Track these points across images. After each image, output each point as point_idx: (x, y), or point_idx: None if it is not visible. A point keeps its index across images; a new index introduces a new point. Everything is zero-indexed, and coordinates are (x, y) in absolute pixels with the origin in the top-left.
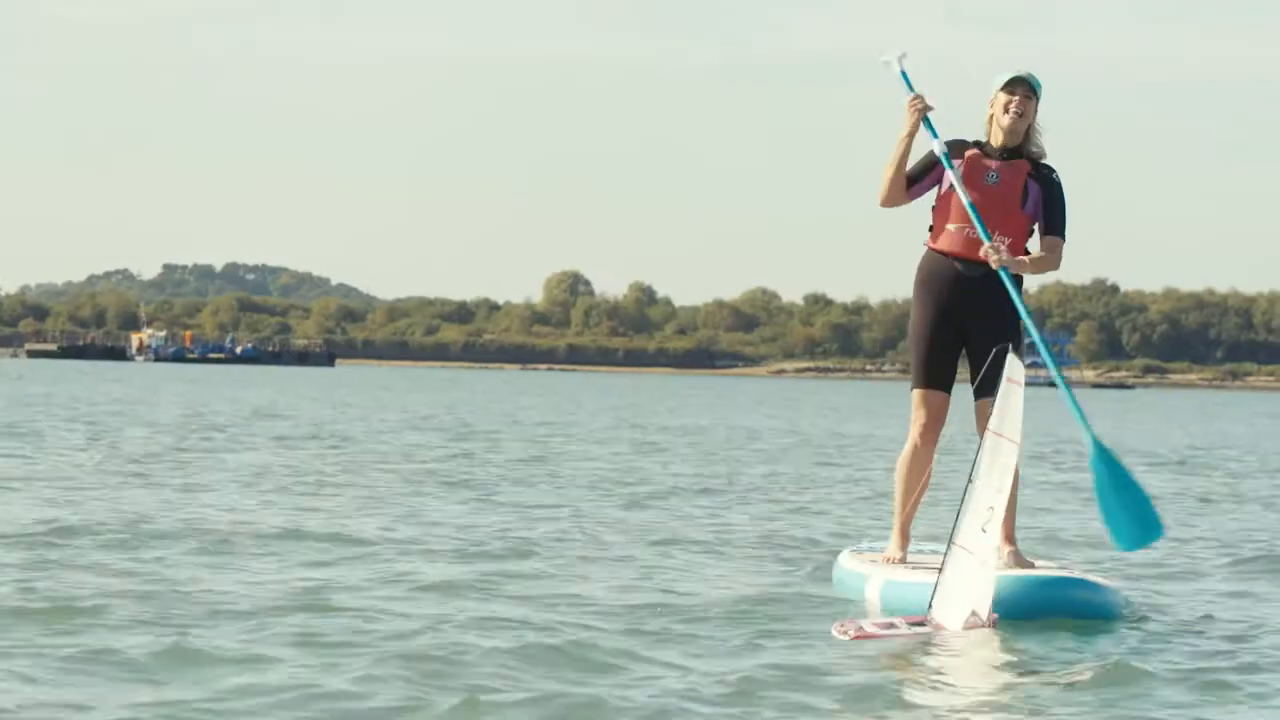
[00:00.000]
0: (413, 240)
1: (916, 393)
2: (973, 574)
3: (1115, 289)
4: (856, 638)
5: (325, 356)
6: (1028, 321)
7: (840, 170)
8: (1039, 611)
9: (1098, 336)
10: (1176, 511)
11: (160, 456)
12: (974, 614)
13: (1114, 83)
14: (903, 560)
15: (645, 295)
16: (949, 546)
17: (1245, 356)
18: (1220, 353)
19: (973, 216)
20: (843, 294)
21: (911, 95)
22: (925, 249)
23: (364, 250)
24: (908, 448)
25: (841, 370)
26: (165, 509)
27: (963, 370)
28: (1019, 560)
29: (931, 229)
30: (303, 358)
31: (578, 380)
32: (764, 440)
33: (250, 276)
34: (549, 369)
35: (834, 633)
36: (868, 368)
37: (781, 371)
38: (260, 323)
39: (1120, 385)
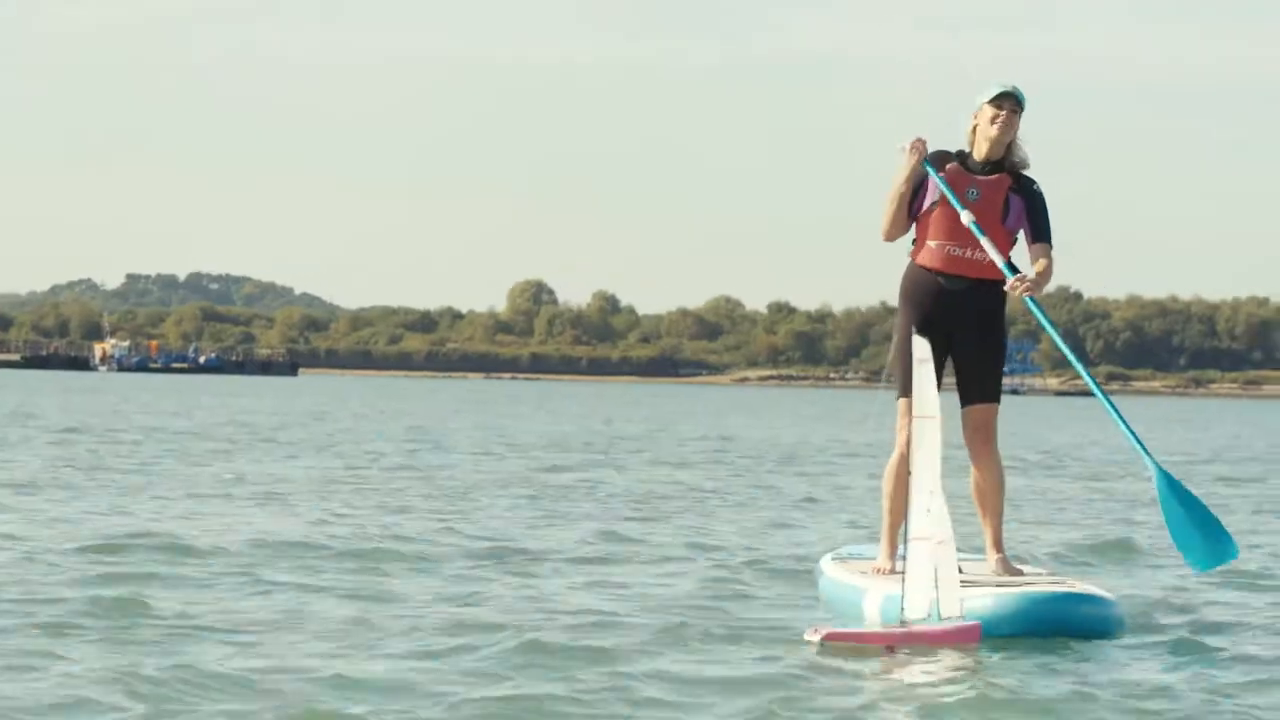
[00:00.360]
0: (376, 249)
1: (902, 402)
2: (934, 558)
3: (1079, 296)
4: (828, 639)
5: (288, 366)
6: (1059, 342)
7: (803, 178)
8: (1042, 629)
9: (1057, 345)
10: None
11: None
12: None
13: (1072, 87)
14: (893, 570)
15: (609, 304)
16: (905, 544)
17: (1209, 363)
18: (1184, 360)
19: (983, 242)
20: (806, 302)
21: (914, 139)
22: (909, 261)
23: (328, 260)
24: (894, 457)
25: (805, 378)
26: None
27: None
28: (1007, 568)
29: (915, 243)
30: (266, 367)
31: (546, 388)
32: (736, 447)
33: (214, 286)
34: (512, 378)
35: (806, 637)
36: (831, 376)
37: (745, 380)
38: (224, 332)
39: (1084, 393)
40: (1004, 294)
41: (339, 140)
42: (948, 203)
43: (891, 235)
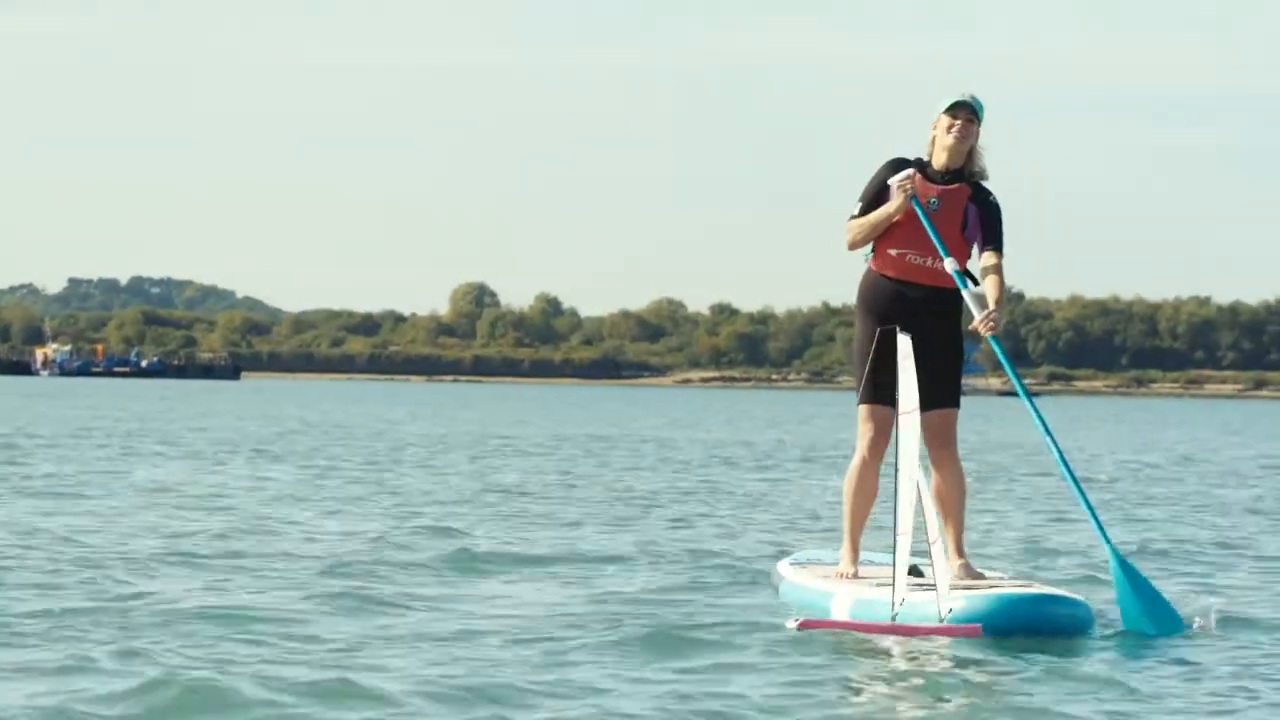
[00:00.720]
0: (318, 253)
1: (863, 408)
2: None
3: (1020, 296)
4: (802, 627)
5: (230, 369)
6: (1016, 382)
7: (745, 180)
8: (1013, 630)
9: (1003, 344)
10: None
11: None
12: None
13: (1015, 87)
14: (855, 575)
15: (551, 306)
16: (894, 538)
17: (1150, 363)
18: (1125, 359)
19: (934, 240)
20: (748, 303)
21: (903, 176)
22: (866, 269)
23: (270, 263)
24: (855, 462)
25: (747, 380)
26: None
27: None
28: (969, 573)
29: (874, 251)
30: (208, 371)
31: (490, 391)
32: (679, 450)
33: (155, 290)
34: (455, 380)
35: (787, 625)
36: (773, 377)
37: (687, 381)
38: (166, 336)
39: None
40: (962, 300)
41: (280, 144)
42: (907, 211)
43: (857, 248)
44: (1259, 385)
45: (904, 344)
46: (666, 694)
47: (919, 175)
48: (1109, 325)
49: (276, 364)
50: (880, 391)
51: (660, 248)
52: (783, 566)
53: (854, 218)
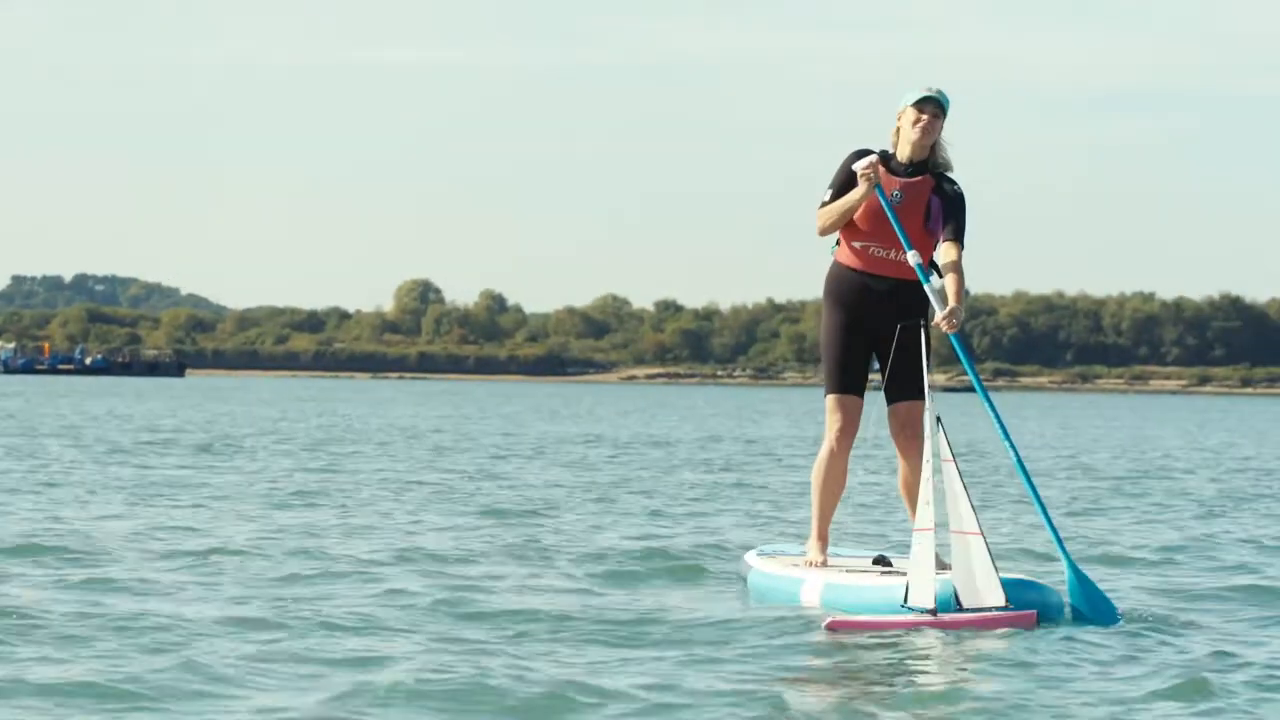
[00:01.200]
0: (263, 250)
1: (831, 398)
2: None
3: (965, 293)
4: (832, 627)
5: (175, 366)
6: (979, 386)
7: (689, 177)
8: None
9: (948, 340)
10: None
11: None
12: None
13: (957, 84)
14: (824, 564)
15: (496, 303)
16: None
17: (1095, 359)
18: (1070, 355)
19: (899, 234)
20: (693, 300)
21: (865, 162)
22: (832, 261)
23: (214, 260)
24: (823, 452)
25: (692, 376)
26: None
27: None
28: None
29: (838, 243)
30: (153, 368)
31: (440, 388)
32: (623, 448)
33: (100, 288)
34: (400, 377)
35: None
36: (719, 373)
37: (632, 377)
38: (110, 333)
39: (971, 389)
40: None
41: (223, 141)
42: (871, 203)
43: (827, 234)
44: (1203, 381)
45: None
46: (647, 686)
47: (882, 167)
48: (1053, 321)
49: (221, 361)
50: (847, 382)
51: (605, 244)
52: (751, 557)
53: (824, 204)
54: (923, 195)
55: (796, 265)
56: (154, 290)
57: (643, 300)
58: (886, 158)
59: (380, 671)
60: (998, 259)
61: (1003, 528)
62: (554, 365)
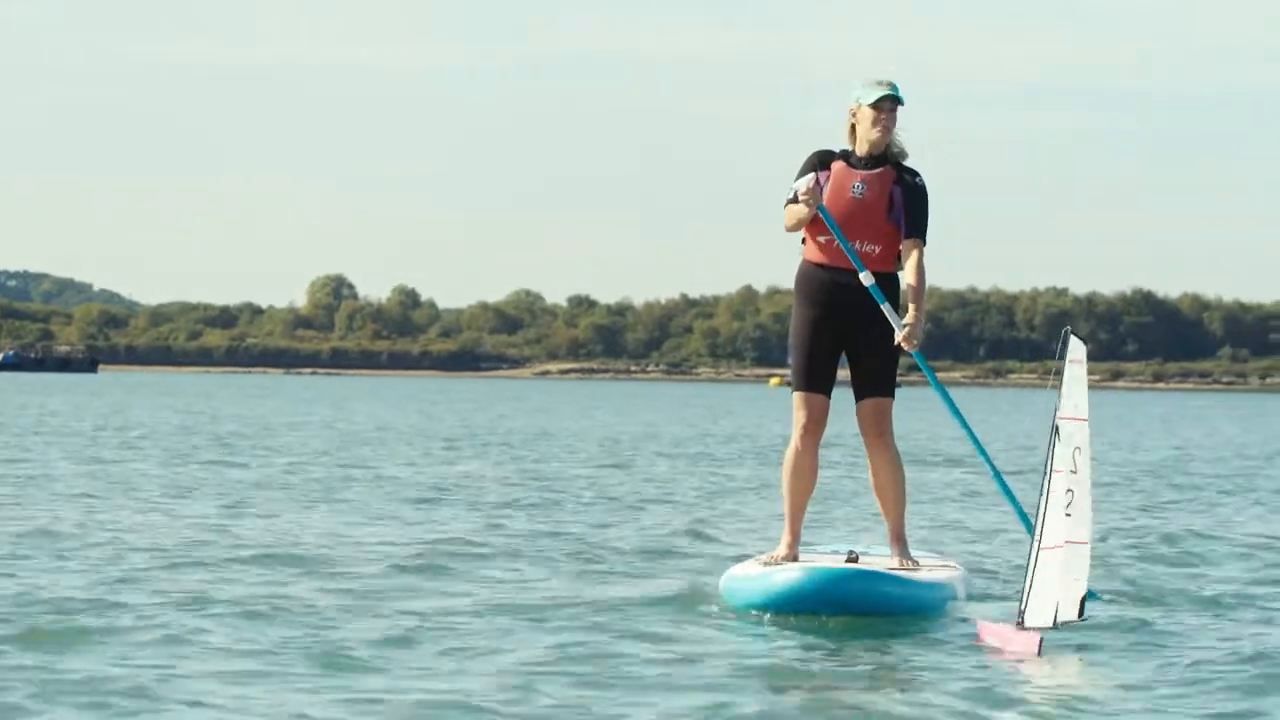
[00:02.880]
0: (174, 245)
1: (796, 395)
2: (1068, 564)
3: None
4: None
5: (88, 362)
6: (949, 403)
7: (602, 173)
8: (831, 607)
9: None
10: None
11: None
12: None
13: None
14: (792, 559)
15: (409, 298)
16: (1035, 551)
17: (1008, 354)
18: (983, 350)
19: (849, 255)
20: (606, 295)
21: (804, 187)
22: (801, 259)
23: (126, 256)
24: (790, 449)
25: (606, 371)
26: None
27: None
28: (904, 561)
29: (804, 240)
30: (65, 364)
31: (351, 384)
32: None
33: (11, 283)
34: (313, 373)
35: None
36: (632, 369)
37: (546, 373)
38: (22, 329)
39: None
40: (895, 286)
41: (134, 135)
42: (834, 198)
43: (793, 233)
44: (1116, 376)
45: (1077, 349)
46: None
47: (843, 163)
48: (967, 316)
49: (134, 357)
50: (812, 379)
51: (518, 240)
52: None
53: (788, 202)
54: (885, 187)
55: (710, 261)
56: (66, 286)
57: (556, 296)
58: (846, 154)
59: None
60: None
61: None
62: (467, 361)
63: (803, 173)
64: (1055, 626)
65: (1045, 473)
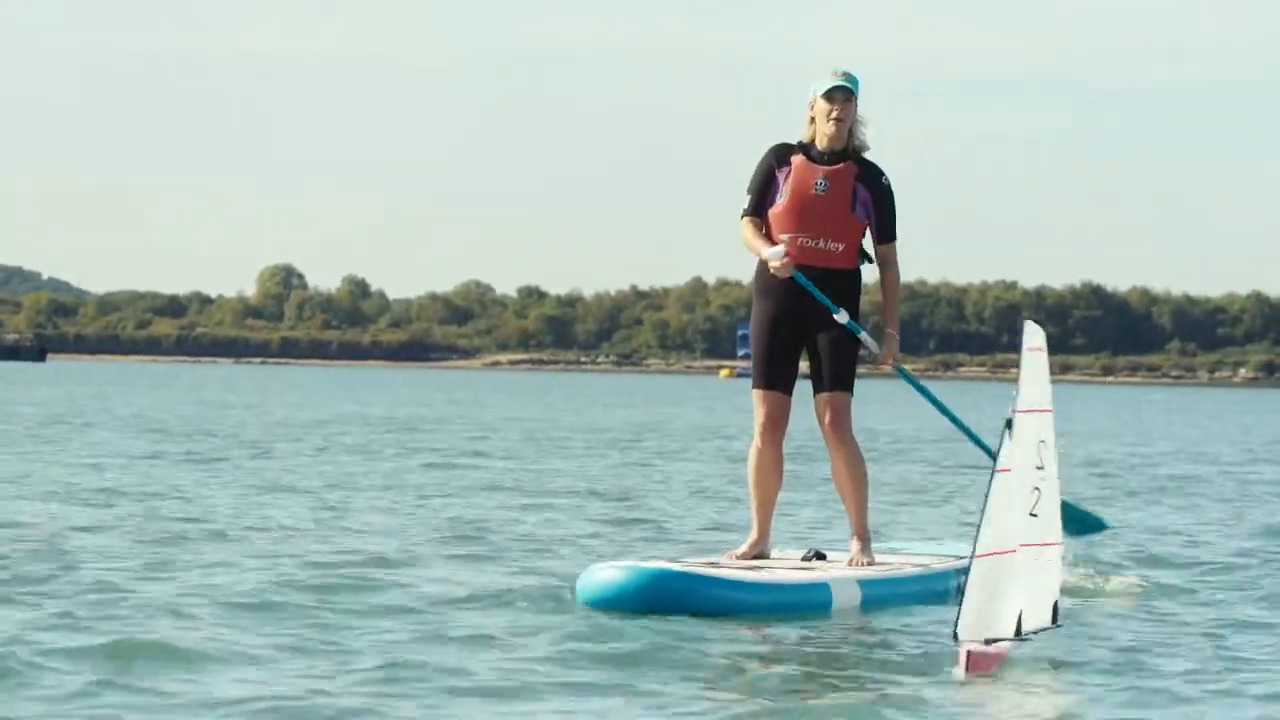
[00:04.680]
0: (124, 234)
1: (755, 392)
2: (1036, 569)
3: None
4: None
5: (36, 351)
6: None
7: (554, 163)
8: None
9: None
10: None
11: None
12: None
13: (820, 72)
14: (758, 555)
15: (358, 288)
16: (973, 558)
17: (957, 347)
18: (933, 343)
19: (818, 298)
20: (556, 286)
21: (775, 262)
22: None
23: (75, 245)
24: (752, 447)
25: (556, 362)
26: None
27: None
28: (860, 557)
29: (766, 237)
30: (13, 353)
31: (300, 374)
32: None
33: None
34: (262, 363)
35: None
36: (582, 360)
37: (496, 363)
38: None
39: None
40: (857, 282)
41: (83, 125)
42: (795, 195)
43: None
44: (1065, 369)
45: (1035, 335)
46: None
47: (803, 157)
48: (916, 309)
49: (83, 346)
50: (773, 377)
51: (468, 230)
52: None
53: (745, 213)
54: (846, 183)
55: (660, 252)
56: (14, 274)
57: (506, 286)
58: (805, 148)
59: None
60: None
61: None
62: (417, 351)
63: (761, 171)
64: (1023, 637)
65: (991, 471)
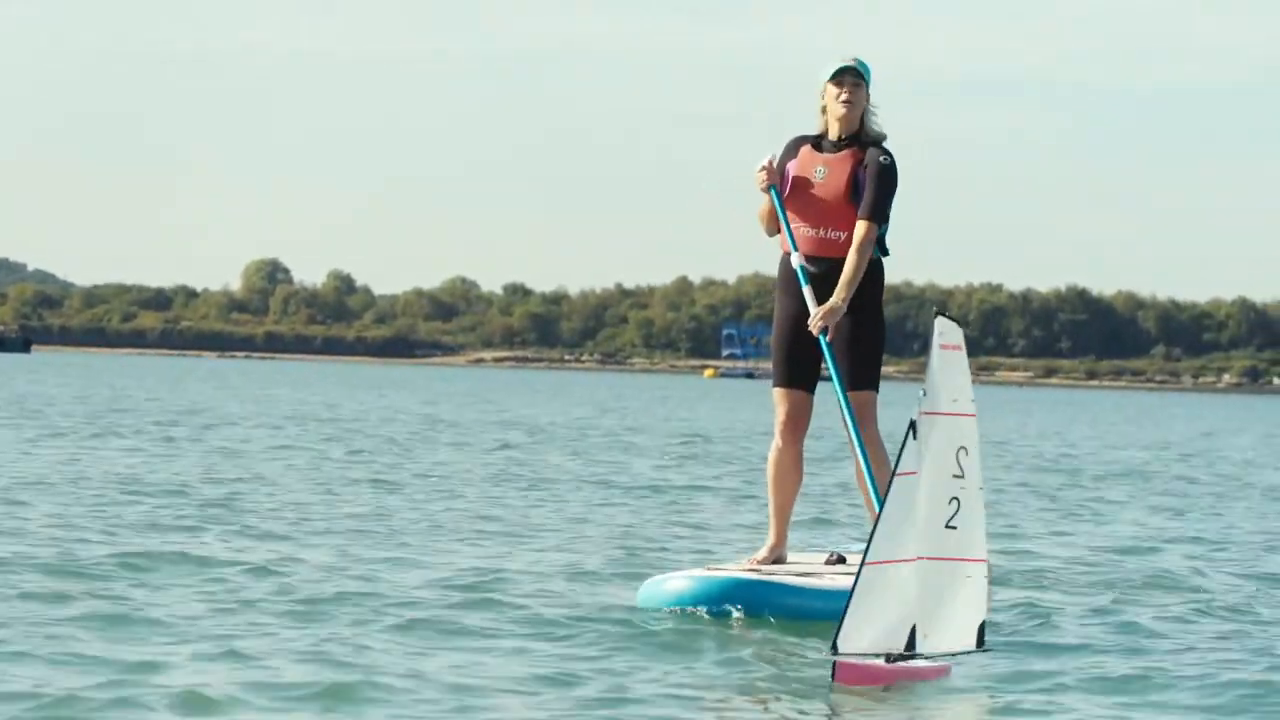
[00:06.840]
0: (110, 226)
1: (775, 391)
2: (943, 586)
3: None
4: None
5: (21, 342)
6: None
7: (540, 161)
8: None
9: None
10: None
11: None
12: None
13: (806, 73)
14: (777, 559)
15: (344, 284)
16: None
17: None
18: (917, 345)
19: (786, 234)
20: (541, 284)
21: (766, 166)
22: (781, 251)
23: (61, 236)
24: (772, 447)
25: (540, 360)
26: None
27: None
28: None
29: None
30: None
31: (285, 369)
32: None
33: None
34: (247, 357)
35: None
36: (566, 358)
37: (480, 361)
38: None
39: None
40: (872, 272)
41: (69, 118)
42: (798, 187)
43: (771, 235)
44: (1049, 373)
45: (953, 333)
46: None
47: (809, 147)
48: (901, 311)
49: (68, 338)
50: (793, 375)
51: (454, 227)
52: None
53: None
54: (846, 168)
55: (646, 251)
56: (0, 265)
57: (491, 283)
58: (818, 139)
59: None
60: None
61: None
62: (401, 347)
63: (779, 166)
64: (929, 657)
65: (891, 475)
